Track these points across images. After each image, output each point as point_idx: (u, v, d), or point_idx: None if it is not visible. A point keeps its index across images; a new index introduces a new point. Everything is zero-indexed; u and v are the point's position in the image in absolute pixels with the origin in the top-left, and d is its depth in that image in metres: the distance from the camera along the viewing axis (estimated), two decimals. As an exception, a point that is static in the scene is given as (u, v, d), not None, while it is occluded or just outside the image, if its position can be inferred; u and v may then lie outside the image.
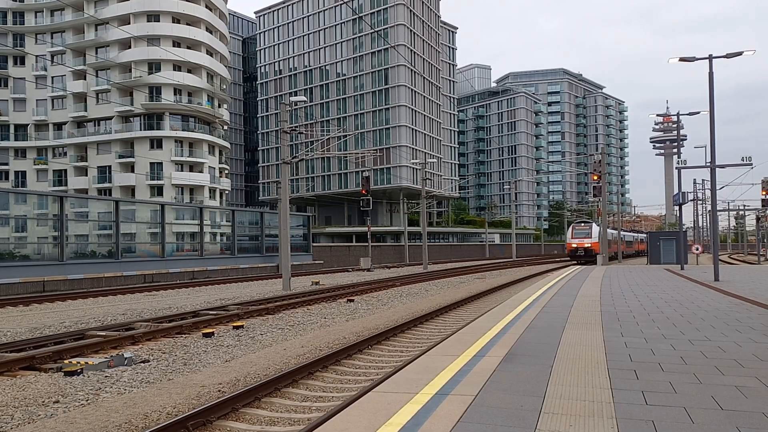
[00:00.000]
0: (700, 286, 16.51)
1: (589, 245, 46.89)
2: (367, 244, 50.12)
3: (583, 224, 49.37)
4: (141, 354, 10.07)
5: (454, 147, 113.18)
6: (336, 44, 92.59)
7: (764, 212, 58.14)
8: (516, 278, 29.17)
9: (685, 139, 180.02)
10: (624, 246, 61.28)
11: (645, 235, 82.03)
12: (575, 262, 48.39)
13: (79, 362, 8.85)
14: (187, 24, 68.51)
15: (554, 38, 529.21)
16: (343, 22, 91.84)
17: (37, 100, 71.73)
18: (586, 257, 46.48)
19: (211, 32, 71.45)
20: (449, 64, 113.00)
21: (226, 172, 78.40)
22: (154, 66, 66.71)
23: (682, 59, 19.03)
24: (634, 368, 5.85)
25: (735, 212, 79.13)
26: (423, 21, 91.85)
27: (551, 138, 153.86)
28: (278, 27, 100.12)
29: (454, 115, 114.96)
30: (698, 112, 25.90)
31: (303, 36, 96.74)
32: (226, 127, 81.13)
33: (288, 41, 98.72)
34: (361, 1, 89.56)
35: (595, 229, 46.55)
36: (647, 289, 15.23)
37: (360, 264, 45.63)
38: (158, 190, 67.39)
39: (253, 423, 6.57)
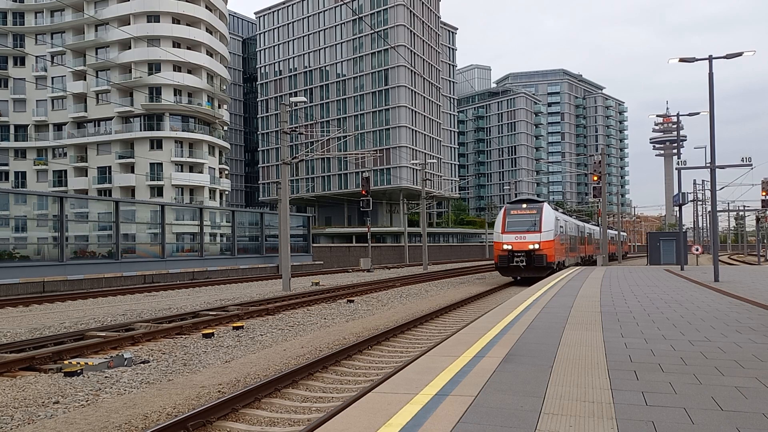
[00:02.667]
0: (700, 286, 16.51)
1: (536, 246, 25.17)
2: (367, 244, 50.13)
3: (524, 205, 26.88)
4: (141, 354, 10.07)
5: (454, 147, 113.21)
6: (336, 45, 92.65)
7: (764, 213, 58.16)
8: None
9: (685, 140, 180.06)
10: (594, 247, 44.70)
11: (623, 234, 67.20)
12: (510, 278, 27.79)
13: (78, 363, 8.85)
14: (187, 24, 68.54)
15: (557, 38, 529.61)
16: (343, 23, 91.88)
17: (37, 100, 71.75)
18: (530, 269, 25.37)
19: (211, 33, 71.48)
20: (449, 64, 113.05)
21: (226, 172, 78.41)
22: (154, 66, 66.74)
23: (682, 60, 19.03)
24: (634, 369, 5.85)
25: (735, 213, 79.18)
26: (423, 22, 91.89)
27: (551, 138, 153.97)
28: (278, 28, 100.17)
29: (454, 115, 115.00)
30: (698, 113, 25.89)
31: (303, 37, 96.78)
32: (226, 128, 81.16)
33: (288, 42, 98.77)
34: (361, 2, 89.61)
35: (549, 214, 26.17)
36: (647, 290, 15.23)
37: (360, 264, 45.61)
38: (158, 191, 67.39)
39: (253, 423, 6.56)
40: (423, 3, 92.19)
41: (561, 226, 28.35)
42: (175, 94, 67.37)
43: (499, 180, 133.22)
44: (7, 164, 72.14)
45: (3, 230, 25.60)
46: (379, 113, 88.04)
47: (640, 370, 5.80)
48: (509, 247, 25.37)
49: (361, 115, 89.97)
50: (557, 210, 30.87)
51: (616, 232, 60.19)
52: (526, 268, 25.24)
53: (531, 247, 25.08)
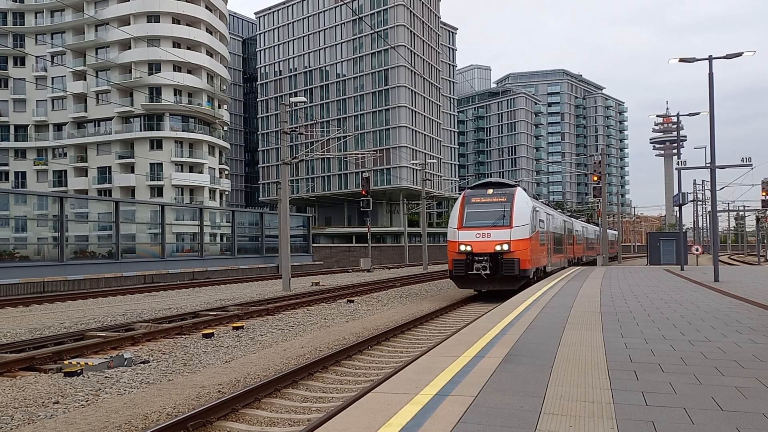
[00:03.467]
0: (700, 286, 16.50)
1: (505, 246, 18.62)
2: (367, 244, 50.12)
3: (490, 191, 20.05)
4: (141, 355, 10.07)
5: (454, 147, 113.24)
6: (336, 45, 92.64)
7: (764, 213, 58.14)
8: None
9: (685, 140, 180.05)
10: (583, 247, 40.19)
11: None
12: (472, 291, 21.13)
13: (78, 363, 8.85)
14: (187, 25, 68.54)
15: (557, 38, 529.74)
16: (343, 23, 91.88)
17: (37, 100, 71.75)
18: (496, 280, 18.69)
19: (211, 33, 71.48)
20: (449, 64, 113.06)
21: (226, 172, 78.40)
22: (154, 67, 66.74)
23: (682, 60, 19.03)
24: (634, 369, 5.85)
25: (735, 213, 79.18)
26: (423, 22, 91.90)
27: (551, 138, 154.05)
28: (278, 28, 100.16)
29: (454, 115, 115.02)
30: (698, 113, 25.89)
31: (303, 37, 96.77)
32: (226, 128, 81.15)
33: (288, 42, 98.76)
34: (361, 2, 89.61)
35: (524, 203, 19.50)
36: (647, 290, 15.23)
37: (360, 264, 45.61)
38: (158, 191, 67.39)
39: (252, 424, 6.56)
40: (423, 3, 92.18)
41: (541, 220, 21.61)
42: (175, 94, 67.36)
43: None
44: (7, 164, 72.14)
45: (3, 230, 25.60)
46: (379, 113, 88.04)
47: (640, 370, 5.80)
48: (468, 249, 18.50)
49: (361, 115, 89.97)
50: (537, 199, 24.47)
51: (612, 231, 56.26)
52: (491, 279, 18.41)
53: (498, 248, 18.28)
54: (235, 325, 13.01)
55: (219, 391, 7.60)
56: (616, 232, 65.92)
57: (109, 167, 68.57)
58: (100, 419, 6.38)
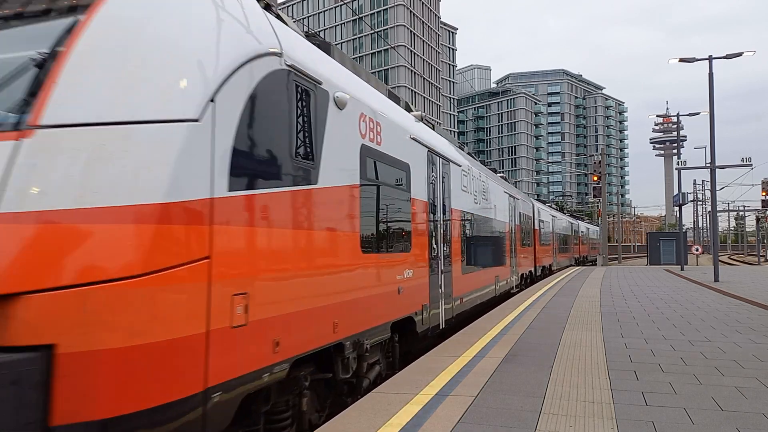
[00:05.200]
0: (700, 286, 16.51)
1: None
2: (367, 244, 49.92)
3: None
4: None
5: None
6: (336, 45, 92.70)
7: (764, 213, 58.14)
8: (516, 279, 28.91)
9: (685, 140, 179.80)
10: (553, 247, 28.29)
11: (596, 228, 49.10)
12: None
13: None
14: (187, 25, 68.55)
15: (557, 38, 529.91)
16: (343, 23, 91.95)
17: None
18: None
19: (211, 33, 71.49)
20: (449, 64, 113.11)
21: (226, 172, 78.43)
22: (154, 67, 66.74)
23: (682, 60, 19.05)
24: (634, 369, 5.85)
25: (735, 213, 79.20)
26: (423, 22, 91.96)
27: (551, 138, 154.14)
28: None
29: (454, 115, 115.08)
30: (698, 113, 25.93)
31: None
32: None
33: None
34: (361, 2, 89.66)
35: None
36: (647, 290, 15.23)
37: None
38: (158, 191, 67.39)
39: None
40: (423, 3, 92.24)
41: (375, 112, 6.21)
42: (175, 94, 67.36)
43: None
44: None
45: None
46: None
47: (640, 370, 5.80)
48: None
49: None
50: (414, 112, 8.85)
51: (594, 228, 47.81)
52: None
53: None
54: (235, 325, 12.97)
55: (219, 391, 7.58)
56: (598, 228, 47.98)
57: (109, 167, 68.58)
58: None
